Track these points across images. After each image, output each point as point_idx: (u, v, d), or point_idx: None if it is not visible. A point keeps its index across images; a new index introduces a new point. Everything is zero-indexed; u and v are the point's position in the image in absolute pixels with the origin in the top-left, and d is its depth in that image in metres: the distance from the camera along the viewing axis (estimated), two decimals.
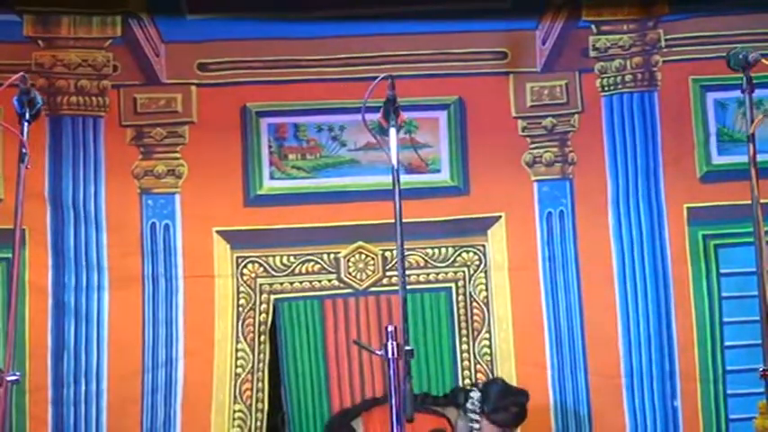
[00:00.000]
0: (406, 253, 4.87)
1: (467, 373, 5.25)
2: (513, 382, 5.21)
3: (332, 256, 5.29)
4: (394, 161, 3.51)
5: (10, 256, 3.50)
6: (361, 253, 5.30)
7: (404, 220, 3.57)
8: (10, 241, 3.48)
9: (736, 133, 5.35)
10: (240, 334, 5.18)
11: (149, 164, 5.31)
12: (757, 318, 3.43)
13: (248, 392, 5.15)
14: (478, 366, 5.25)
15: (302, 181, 5.36)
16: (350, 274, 5.28)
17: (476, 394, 4.79)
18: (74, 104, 5.27)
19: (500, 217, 5.35)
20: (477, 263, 5.33)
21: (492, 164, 5.39)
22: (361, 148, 5.38)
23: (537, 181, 5.40)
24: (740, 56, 3.52)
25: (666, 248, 5.30)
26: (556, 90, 5.47)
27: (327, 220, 5.29)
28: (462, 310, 5.30)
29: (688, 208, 5.32)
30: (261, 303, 5.23)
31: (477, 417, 4.73)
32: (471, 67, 5.47)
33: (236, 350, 5.18)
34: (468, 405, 4.78)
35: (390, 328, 3.43)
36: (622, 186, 5.33)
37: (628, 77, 5.41)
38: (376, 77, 3.60)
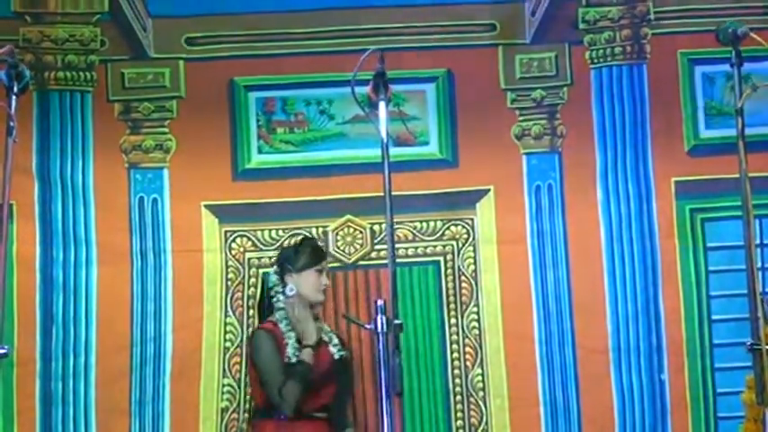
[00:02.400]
0: (395, 227, 4.86)
1: (455, 347, 5.26)
2: (502, 356, 5.25)
3: (320, 229, 5.29)
4: (383, 134, 3.50)
5: None
6: (349, 227, 5.30)
7: (392, 194, 3.57)
8: None
9: (724, 107, 5.34)
10: (229, 308, 5.19)
11: (137, 138, 5.30)
12: (744, 291, 3.44)
13: (237, 366, 5.15)
14: (467, 340, 5.26)
15: (290, 155, 5.35)
16: (338, 247, 5.28)
17: (271, 278, 4.89)
18: (61, 80, 5.25)
19: (489, 190, 5.35)
20: (466, 236, 5.34)
21: (480, 137, 5.38)
22: (348, 122, 5.37)
23: (526, 154, 5.40)
24: (729, 30, 3.52)
25: (654, 222, 5.31)
26: (545, 62, 5.46)
27: (316, 193, 5.28)
28: (451, 284, 5.31)
29: (676, 181, 5.32)
30: (249, 278, 5.23)
31: (283, 289, 4.79)
32: (460, 39, 5.45)
33: (225, 324, 5.18)
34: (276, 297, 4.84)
35: (380, 302, 3.43)
36: (611, 159, 5.34)
37: (617, 50, 5.40)
38: (364, 51, 3.60)
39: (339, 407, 4.79)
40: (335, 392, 4.75)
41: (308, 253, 4.81)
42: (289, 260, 4.81)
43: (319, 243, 4.98)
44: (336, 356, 4.77)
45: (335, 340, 4.82)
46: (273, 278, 4.83)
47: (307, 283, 4.77)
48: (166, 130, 5.31)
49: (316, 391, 4.65)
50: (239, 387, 5.14)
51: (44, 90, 5.21)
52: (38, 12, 5.28)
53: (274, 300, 4.81)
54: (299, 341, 4.69)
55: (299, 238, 5.04)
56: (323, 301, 4.84)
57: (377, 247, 5.28)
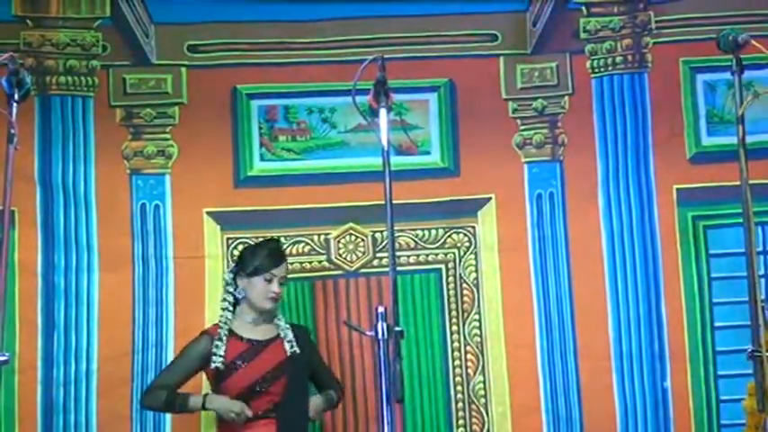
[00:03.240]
0: (396, 234, 4.87)
1: (456, 354, 5.26)
2: (503, 364, 5.24)
3: (322, 237, 5.30)
4: (384, 142, 3.50)
5: (0, 236, 3.49)
6: (351, 234, 5.30)
7: (394, 202, 3.57)
8: (0, 222, 3.48)
9: (726, 115, 5.36)
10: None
11: (139, 144, 5.30)
12: (746, 298, 3.43)
13: None
14: (468, 347, 5.26)
15: (292, 162, 5.36)
16: (340, 255, 5.28)
17: (225, 276, 4.82)
18: (63, 84, 5.26)
19: (490, 198, 5.36)
20: (468, 244, 5.34)
21: (482, 146, 5.39)
22: (351, 130, 5.38)
23: (527, 163, 5.41)
24: (730, 37, 3.51)
25: (656, 230, 5.31)
26: (546, 72, 5.47)
27: (318, 201, 5.29)
28: (452, 292, 5.31)
29: (677, 189, 5.32)
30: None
31: (233, 291, 4.72)
32: (462, 49, 5.47)
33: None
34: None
35: (381, 309, 3.43)
36: (612, 168, 5.34)
37: (618, 59, 5.41)
38: (366, 59, 3.60)
39: (291, 405, 4.62)
40: (286, 390, 4.60)
41: (262, 257, 4.66)
42: (243, 262, 4.70)
43: (280, 247, 4.80)
44: (288, 353, 4.62)
45: (290, 336, 4.67)
46: (227, 277, 4.75)
47: (254, 289, 4.66)
48: (168, 136, 5.32)
49: (264, 391, 4.56)
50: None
51: (45, 95, 5.22)
52: (39, 16, 5.29)
53: (222, 299, 4.75)
54: (234, 335, 4.64)
55: (261, 240, 4.92)
56: (271, 309, 4.68)
57: (378, 254, 5.28)
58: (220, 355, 4.55)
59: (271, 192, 5.29)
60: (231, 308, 4.70)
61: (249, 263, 4.66)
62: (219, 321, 4.66)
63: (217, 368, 4.55)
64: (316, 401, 4.72)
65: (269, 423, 4.57)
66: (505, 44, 5.47)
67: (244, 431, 4.54)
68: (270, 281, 4.64)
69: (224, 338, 4.59)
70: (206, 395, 4.60)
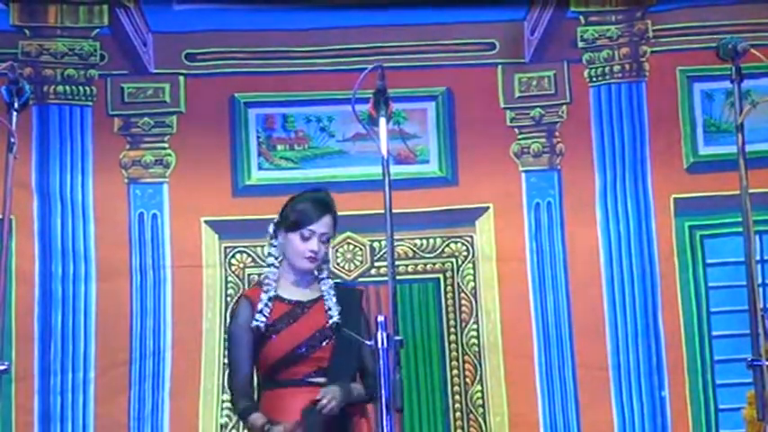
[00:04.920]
0: (395, 244, 4.86)
1: (455, 363, 5.25)
2: (501, 373, 5.24)
3: None
4: (384, 151, 3.50)
5: None
6: (349, 243, 5.30)
7: (392, 211, 3.56)
8: None
9: (723, 124, 5.37)
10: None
11: (137, 154, 5.30)
12: (745, 307, 3.43)
13: None
14: (466, 357, 5.26)
15: (291, 171, 5.36)
16: (338, 264, 5.28)
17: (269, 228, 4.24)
18: (61, 94, 5.26)
19: (488, 208, 5.36)
20: (465, 254, 5.34)
21: (480, 155, 5.39)
22: (349, 139, 5.38)
23: (525, 172, 5.41)
24: (729, 45, 3.52)
25: (653, 239, 5.31)
26: (544, 81, 5.48)
27: None
28: (450, 301, 5.31)
29: (675, 198, 5.33)
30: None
31: (273, 246, 4.20)
32: (460, 58, 5.47)
33: (224, 340, 5.16)
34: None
35: (380, 319, 3.42)
36: (610, 177, 5.35)
37: (616, 68, 5.42)
38: (364, 68, 3.59)
39: (340, 369, 4.04)
40: (333, 354, 4.05)
41: (300, 210, 4.12)
42: (282, 213, 4.19)
43: (325, 199, 4.18)
44: (329, 322, 4.08)
45: (332, 302, 4.12)
46: (270, 229, 4.20)
47: (291, 246, 4.10)
48: (166, 145, 5.32)
49: (308, 356, 4.05)
50: None
51: (43, 104, 5.22)
52: (37, 25, 5.29)
53: (266, 254, 4.26)
54: (277, 297, 4.12)
55: (308, 189, 4.39)
56: (309, 270, 4.12)
57: (377, 263, 5.28)
58: (265, 315, 4.05)
59: (269, 201, 5.22)
60: (277, 263, 4.17)
61: (287, 215, 4.15)
62: (264, 280, 4.16)
63: (258, 328, 4.04)
64: (334, 389, 3.99)
65: (314, 390, 4.01)
66: (503, 53, 5.48)
67: (292, 397, 4.02)
68: (308, 238, 4.09)
69: (269, 298, 4.09)
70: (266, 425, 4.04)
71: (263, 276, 4.19)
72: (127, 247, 5.21)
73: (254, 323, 4.05)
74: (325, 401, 3.92)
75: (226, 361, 4.34)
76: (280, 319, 4.09)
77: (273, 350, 4.06)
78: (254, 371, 4.10)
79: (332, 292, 4.15)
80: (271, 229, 4.18)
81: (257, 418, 4.00)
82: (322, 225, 4.10)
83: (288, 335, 4.07)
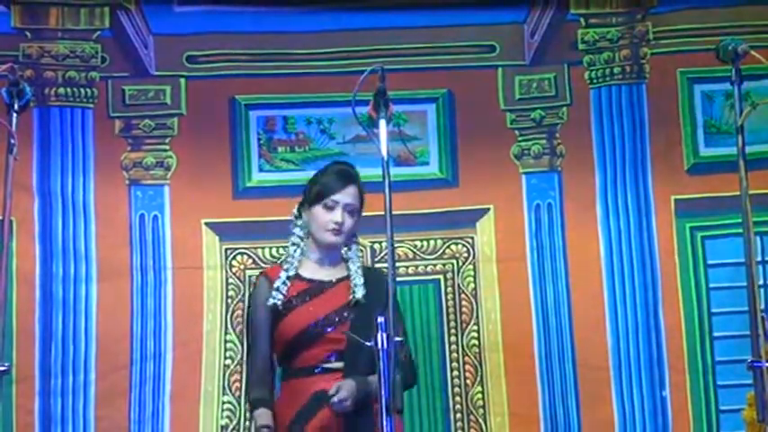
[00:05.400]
0: (395, 245, 4.86)
1: (455, 364, 5.26)
2: (502, 374, 5.24)
3: None
4: (384, 153, 3.50)
5: None
6: None
7: (393, 213, 3.57)
8: None
9: (723, 125, 5.37)
10: (229, 326, 5.18)
11: (138, 155, 5.31)
12: (745, 308, 3.43)
13: (237, 384, 5.14)
14: (467, 358, 5.26)
15: (291, 173, 5.35)
16: None
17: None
18: (62, 96, 5.26)
19: (488, 209, 5.36)
20: (466, 255, 5.34)
21: (480, 156, 5.40)
22: (349, 141, 5.38)
23: (525, 173, 5.41)
24: (729, 47, 3.52)
25: (654, 240, 5.32)
26: (544, 83, 5.48)
27: None
28: (451, 302, 5.31)
29: (675, 200, 5.34)
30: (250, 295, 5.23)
31: (297, 224, 4.12)
32: (460, 60, 5.48)
33: (225, 342, 5.18)
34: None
35: (380, 320, 3.42)
36: (610, 178, 5.35)
37: (616, 70, 5.43)
38: (365, 71, 3.59)
39: (358, 355, 3.81)
40: (349, 337, 3.87)
41: (323, 181, 4.05)
42: (306, 189, 4.11)
43: (348, 169, 4.11)
44: (353, 299, 3.96)
45: (359, 280, 4.00)
46: (294, 210, 4.14)
47: (315, 220, 4.01)
48: (167, 147, 5.32)
49: (323, 337, 3.93)
50: (239, 405, 5.13)
51: (45, 106, 5.23)
52: (38, 27, 5.29)
53: (290, 234, 4.14)
54: (297, 276, 4.02)
55: (331, 163, 4.30)
56: (334, 244, 4.03)
57: (377, 265, 5.28)
58: (281, 293, 3.97)
59: (269, 202, 5.27)
60: (300, 245, 4.08)
61: (310, 189, 4.08)
62: (286, 258, 4.10)
63: (275, 305, 3.96)
64: (349, 383, 3.82)
65: (332, 376, 3.90)
66: (504, 55, 5.48)
67: (308, 389, 3.90)
68: (331, 208, 4.00)
69: (288, 277, 4.00)
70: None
71: (285, 255, 4.14)
72: (128, 248, 5.20)
73: (271, 301, 3.97)
74: (336, 399, 3.79)
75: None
76: (296, 296, 4.00)
77: (287, 329, 3.96)
78: (273, 356, 4.00)
79: (360, 272, 4.04)
80: (295, 209, 4.13)
81: (260, 415, 3.91)
82: (346, 195, 4.02)
83: (302, 312, 3.97)
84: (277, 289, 3.97)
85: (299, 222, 4.09)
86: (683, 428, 5.17)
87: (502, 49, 5.49)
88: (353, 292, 3.97)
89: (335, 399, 3.80)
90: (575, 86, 5.45)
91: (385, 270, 3.84)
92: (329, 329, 3.94)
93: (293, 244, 4.09)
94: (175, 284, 5.21)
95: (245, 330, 4.23)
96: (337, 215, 3.99)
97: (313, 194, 4.03)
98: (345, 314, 3.97)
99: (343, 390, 3.80)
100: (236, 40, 5.38)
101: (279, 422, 3.94)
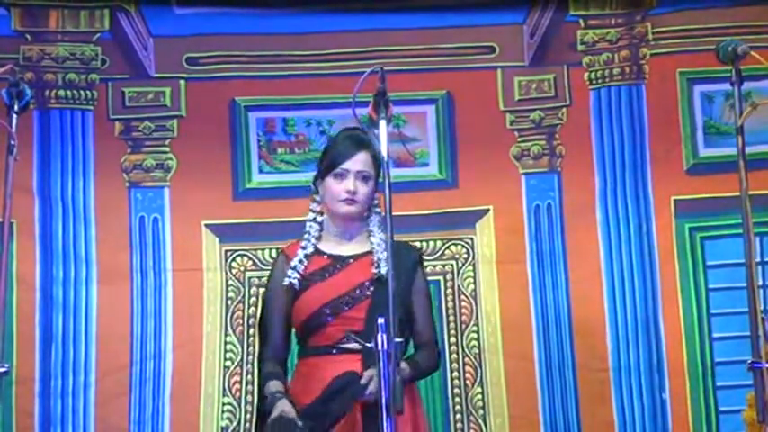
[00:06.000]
0: None
1: (455, 365, 5.25)
2: (501, 375, 5.24)
3: None
4: (384, 153, 3.50)
5: None
6: None
7: (392, 214, 3.56)
8: None
9: (723, 126, 5.37)
10: (229, 327, 5.18)
11: (138, 157, 5.31)
12: (745, 309, 3.43)
13: (237, 385, 5.15)
14: (466, 359, 5.26)
15: (291, 175, 5.35)
16: None
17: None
18: (62, 98, 5.26)
19: (488, 210, 5.36)
20: (466, 256, 5.34)
21: (480, 157, 5.39)
22: None
23: (525, 174, 5.41)
24: (729, 48, 3.52)
25: (654, 241, 5.32)
26: (543, 84, 5.48)
27: None
28: (450, 303, 5.31)
29: (675, 200, 5.34)
30: (250, 297, 5.22)
31: (315, 206, 3.94)
32: (459, 61, 5.47)
33: (225, 343, 5.18)
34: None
35: (381, 321, 3.42)
36: (610, 179, 5.35)
37: (615, 71, 5.43)
38: (364, 72, 3.59)
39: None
40: (368, 316, 3.70)
41: (331, 153, 3.89)
42: (319, 162, 3.96)
43: (357, 135, 3.84)
44: (375, 274, 3.75)
45: (381, 254, 3.77)
46: (311, 186, 3.99)
47: (328, 192, 3.84)
48: (167, 149, 5.32)
49: (339, 315, 3.76)
50: (239, 406, 5.13)
51: (45, 108, 5.23)
52: (38, 30, 5.29)
53: (309, 211, 3.96)
54: (316, 251, 3.86)
55: (342, 129, 4.06)
56: (349, 215, 3.84)
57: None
58: (298, 271, 3.80)
59: (269, 204, 5.28)
60: (317, 219, 3.91)
61: (322, 161, 3.93)
62: (304, 235, 3.91)
63: (291, 285, 3.80)
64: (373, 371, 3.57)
65: (351, 358, 3.73)
66: (503, 56, 5.48)
67: (323, 369, 3.72)
68: (342, 177, 3.82)
69: (305, 254, 3.84)
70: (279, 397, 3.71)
71: (304, 236, 3.92)
72: (128, 250, 5.20)
73: (287, 280, 3.81)
74: (368, 392, 3.59)
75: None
76: (314, 273, 3.83)
77: (304, 306, 3.80)
78: (288, 336, 3.86)
79: (383, 245, 3.77)
80: (311, 184, 3.98)
81: (274, 384, 3.76)
82: (357, 162, 3.82)
83: (320, 289, 3.80)
84: (294, 268, 3.82)
85: (316, 197, 3.93)
86: (683, 430, 5.17)
87: (501, 51, 5.48)
88: (377, 266, 3.76)
89: (367, 392, 3.61)
90: (574, 87, 5.45)
91: (411, 244, 3.88)
92: (346, 308, 3.76)
93: (310, 220, 3.92)
94: (175, 286, 5.21)
95: (260, 308, 4.06)
96: (349, 183, 3.81)
97: (324, 166, 3.88)
98: (366, 292, 3.77)
99: (374, 383, 3.54)
100: (236, 42, 5.38)
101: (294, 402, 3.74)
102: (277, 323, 3.87)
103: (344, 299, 3.77)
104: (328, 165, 3.85)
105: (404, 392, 3.38)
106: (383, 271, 3.72)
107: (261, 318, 3.99)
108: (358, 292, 3.78)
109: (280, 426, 3.63)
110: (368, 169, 3.84)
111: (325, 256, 3.86)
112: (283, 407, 3.67)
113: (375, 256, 3.80)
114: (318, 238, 3.90)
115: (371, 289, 3.78)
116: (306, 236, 3.89)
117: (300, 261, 3.83)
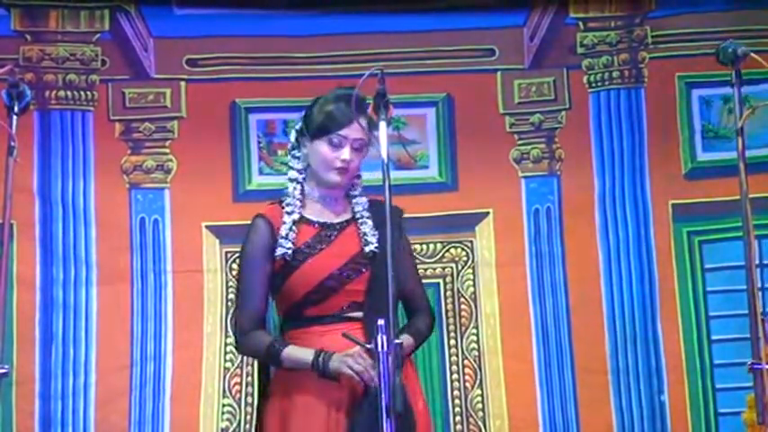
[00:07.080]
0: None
1: (455, 368, 5.26)
2: (501, 378, 5.24)
3: None
4: (384, 155, 3.48)
5: None
6: None
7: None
8: None
9: (721, 130, 5.38)
10: (229, 328, 5.18)
11: (138, 159, 5.31)
12: (744, 312, 3.44)
13: (237, 387, 5.15)
14: (466, 361, 5.26)
15: None
16: None
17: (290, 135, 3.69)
18: (62, 99, 5.27)
19: (488, 213, 5.37)
20: (465, 259, 5.35)
21: (480, 160, 5.41)
22: None
23: (524, 177, 5.42)
24: (729, 50, 3.52)
25: (652, 245, 5.33)
26: (543, 87, 5.49)
27: None
28: (450, 306, 5.31)
29: (673, 204, 5.35)
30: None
31: (295, 156, 3.62)
32: (459, 64, 5.48)
33: (225, 345, 5.17)
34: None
35: (380, 322, 3.41)
36: (609, 182, 5.36)
37: (615, 74, 5.44)
38: (364, 74, 3.58)
39: (379, 306, 3.29)
40: (369, 287, 3.51)
41: (327, 114, 3.54)
42: (306, 117, 3.61)
43: (357, 99, 3.40)
44: (366, 250, 3.54)
45: (368, 225, 3.57)
46: (291, 137, 3.66)
47: (317, 156, 3.52)
48: (167, 150, 5.33)
49: (340, 288, 3.53)
50: (239, 407, 5.14)
51: (45, 109, 5.23)
52: (38, 30, 5.29)
53: (288, 168, 3.67)
54: (303, 220, 3.56)
55: (337, 88, 3.68)
56: (340, 184, 3.56)
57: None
58: (290, 240, 3.50)
59: None
60: (299, 180, 3.59)
61: (312, 118, 3.57)
62: (285, 199, 3.59)
63: (284, 258, 3.51)
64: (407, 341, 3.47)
65: (351, 325, 3.52)
66: (503, 59, 5.49)
67: (321, 336, 3.49)
68: (338, 146, 3.52)
69: (293, 221, 3.53)
70: (322, 353, 3.42)
71: (284, 195, 3.62)
72: (128, 251, 5.21)
73: (280, 251, 3.51)
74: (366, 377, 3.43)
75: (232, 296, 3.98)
76: (309, 244, 3.55)
77: (302, 280, 3.53)
78: (268, 307, 3.59)
79: (366, 214, 3.60)
80: (292, 136, 3.65)
81: (294, 349, 3.47)
82: (355, 129, 3.51)
83: (320, 261, 3.54)
84: (285, 237, 3.51)
85: (298, 154, 3.60)
86: None
87: (501, 53, 5.49)
88: (365, 244, 3.54)
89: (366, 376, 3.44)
90: (573, 90, 5.46)
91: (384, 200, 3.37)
92: (348, 280, 3.53)
93: (292, 179, 3.60)
94: (176, 288, 5.21)
95: (238, 272, 3.75)
96: (345, 153, 3.51)
97: (316, 125, 3.53)
98: (364, 264, 3.55)
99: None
100: (237, 44, 5.38)
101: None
102: (258, 295, 3.56)
103: (345, 271, 3.54)
104: (323, 128, 3.53)
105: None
106: (372, 247, 3.52)
107: (240, 282, 3.67)
108: (356, 262, 3.55)
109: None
110: (364, 137, 3.54)
111: (315, 225, 3.58)
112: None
113: (361, 228, 3.58)
114: (301, 202, 3.59)
115: (367, 260, 3.56)
116: (289, 200, 3.58)
117: (291, 229, 3.52)
